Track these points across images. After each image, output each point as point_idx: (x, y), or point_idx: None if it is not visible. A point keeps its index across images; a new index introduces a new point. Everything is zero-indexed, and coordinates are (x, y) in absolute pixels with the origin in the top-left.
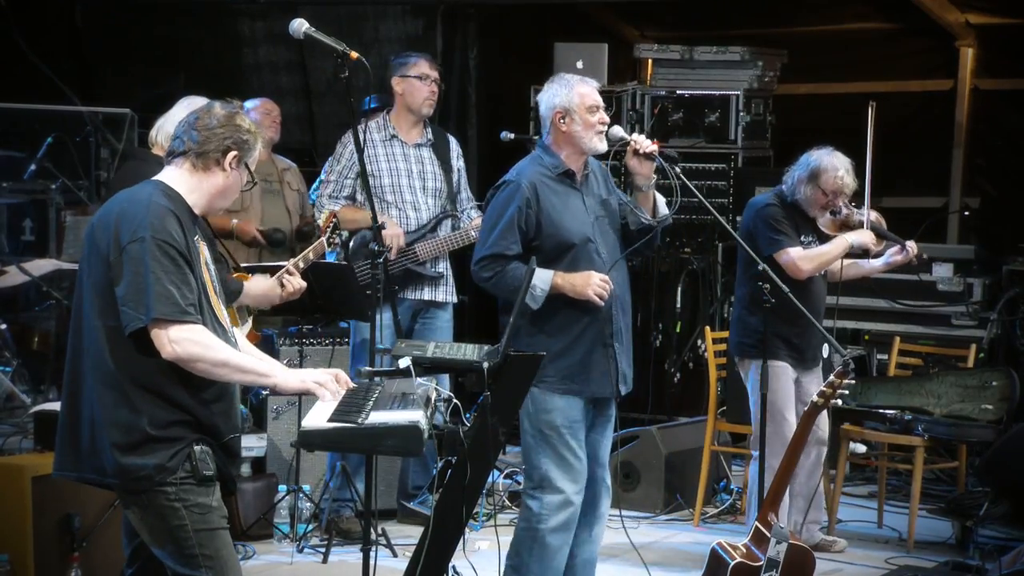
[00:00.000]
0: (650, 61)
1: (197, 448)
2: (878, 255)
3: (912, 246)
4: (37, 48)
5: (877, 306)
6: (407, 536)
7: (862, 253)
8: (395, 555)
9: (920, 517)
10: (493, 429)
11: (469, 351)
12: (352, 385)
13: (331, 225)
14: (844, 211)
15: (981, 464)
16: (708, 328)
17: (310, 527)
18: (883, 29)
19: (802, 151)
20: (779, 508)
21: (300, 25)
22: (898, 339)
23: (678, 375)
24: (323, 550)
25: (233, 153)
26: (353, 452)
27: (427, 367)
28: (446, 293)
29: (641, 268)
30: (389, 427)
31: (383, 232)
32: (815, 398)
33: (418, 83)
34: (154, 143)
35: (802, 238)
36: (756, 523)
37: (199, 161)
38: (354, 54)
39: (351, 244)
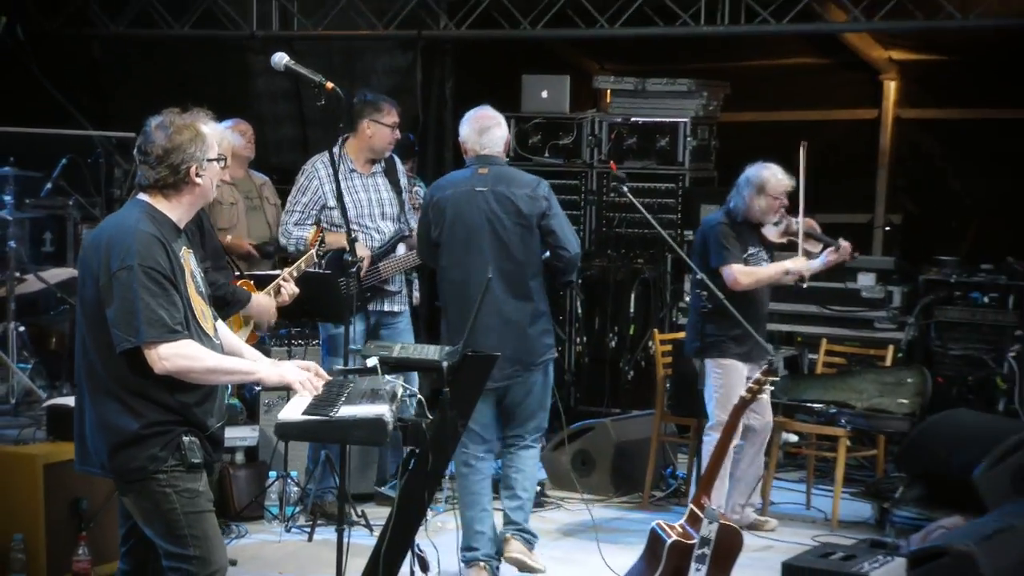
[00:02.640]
0: (608, 91)
1: (186, 439)
2: (815, 256)
3: (846, 244)
4: (57, 79)
5: (808, 311)
6: (382, 517)
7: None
8: (373, 533)
9: (844, 499)
10: (452, 422)
11: (431, 352)
12: (328, 378)
13: (319, 239)
14: (784, 221)
15: (898, 452)
16: (656, 331)
17: (297, 509)
18: (816, 64)
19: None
20: (712, 492)
21: (281, 58)
22: (825, 340)
23: (632, 373)
24: (308, 530)
25: (193, 168)
26: (325, 442)
27: (393, 366)
28: (401, 304)
29: (599, 276)
30: (357, 420)
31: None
32: (743, 393)
33: (388, 131)
34: None
35: (750, 249)
36: (691, 505)
37: (169, 190)
38: (329, 85)
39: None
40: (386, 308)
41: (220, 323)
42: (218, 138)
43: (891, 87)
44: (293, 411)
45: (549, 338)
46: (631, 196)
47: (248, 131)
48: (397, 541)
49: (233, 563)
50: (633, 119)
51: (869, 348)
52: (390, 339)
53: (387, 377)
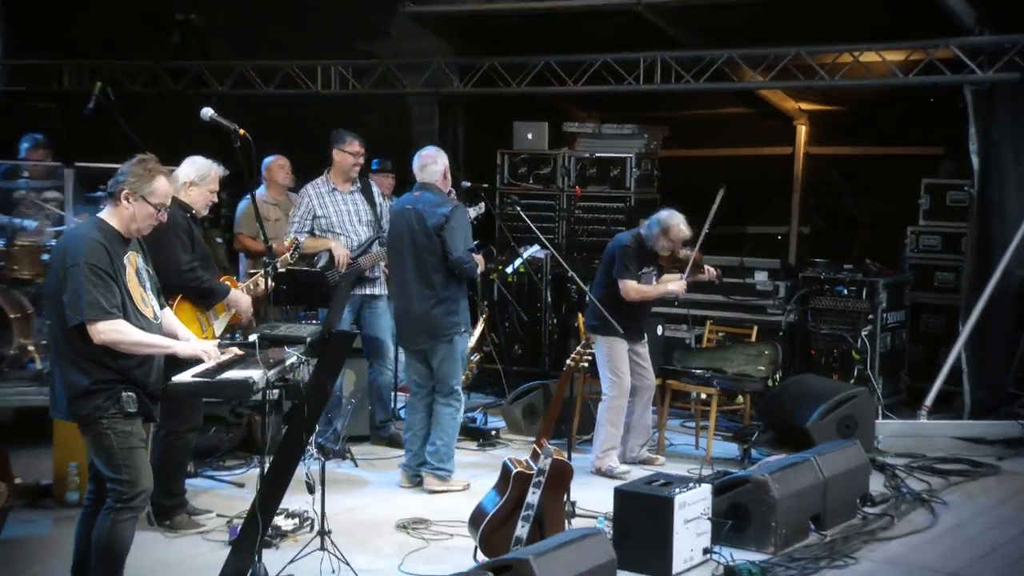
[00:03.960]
0: (575, 134)
1: (124, 394)
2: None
3: (713, 273)
4: (182, 128)
5: (716, 300)
6: (372, 454)
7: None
8: (356, 465)
9: (719, 441)
10: (321, 382)
11: (307, 331)
12: (235, 352)
13: (293, 247)
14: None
15: (759, 406)
16: (580, 314)
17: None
18: (743, 113)
19: (680, 197)
20: (550, 433)
21: (207, 112)
22: (709, 322)
23: None
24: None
25: (125, 191)
26: (206, 397)
27: (272, 341)
28: (381, 288)
29: (566, 273)
30: (229, 381)
31: (335, 251)
32: (569, 361)
33: (350, 157)
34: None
35: (644, 269)
36: (534, 445)
37: (112, 200)
38: (242, 131)
39: (317, 258)
40: (368, 292)
41: (166, 311)
42: (180, 187)
43: (802, 130)
44: (187, 375)
45: (454, 317)
46: (520, 210)
47: (286, 164)
48: (281, 471)
49: (241, 486)
50: (595, 155)
51: (761, 328)
52: (372, 319)
53: (288, 350)
